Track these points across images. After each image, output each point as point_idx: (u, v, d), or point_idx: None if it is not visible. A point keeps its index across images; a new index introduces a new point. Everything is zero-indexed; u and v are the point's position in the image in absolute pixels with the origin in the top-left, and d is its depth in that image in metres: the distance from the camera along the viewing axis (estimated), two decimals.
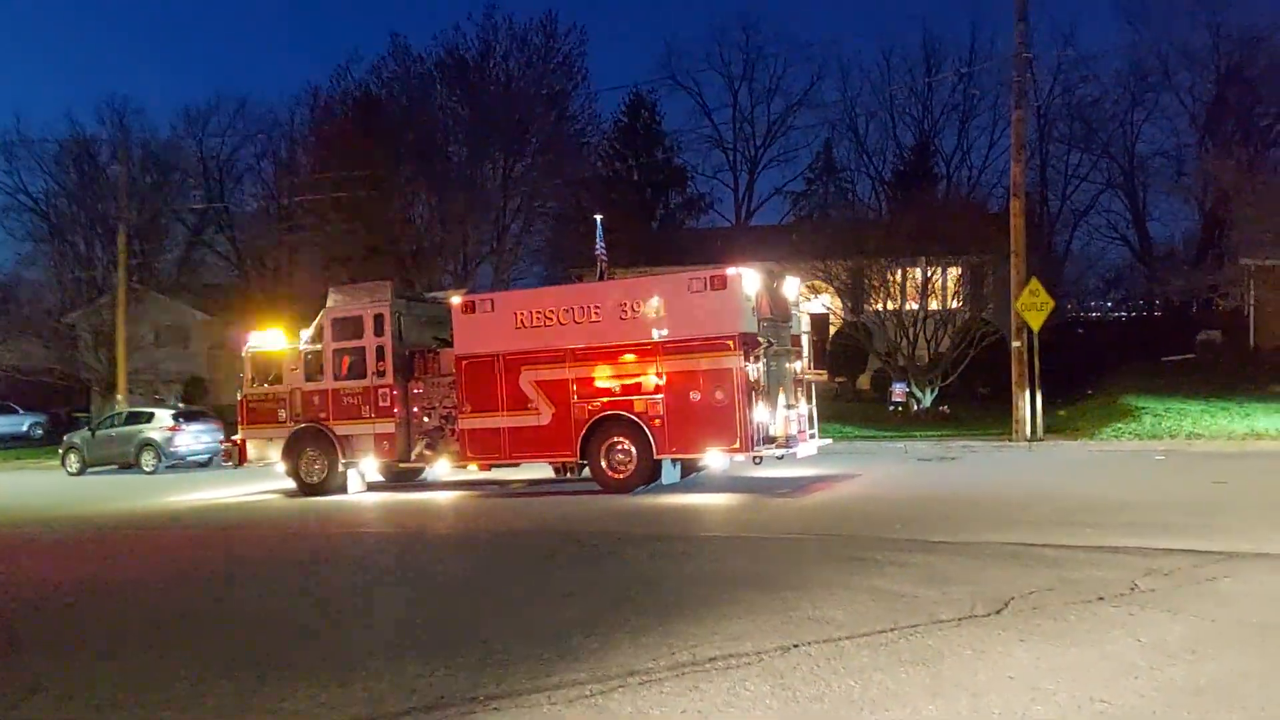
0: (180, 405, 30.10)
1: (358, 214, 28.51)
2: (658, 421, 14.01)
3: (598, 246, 22.83)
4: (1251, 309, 28.10)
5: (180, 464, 25.19)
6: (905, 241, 27.97)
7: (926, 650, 5.74)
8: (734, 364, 13.56)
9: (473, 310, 15.29)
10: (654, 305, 14.08)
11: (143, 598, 8.92)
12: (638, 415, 14.15)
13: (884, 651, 5.74)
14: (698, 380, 13.81)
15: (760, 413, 13.87)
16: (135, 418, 26.48)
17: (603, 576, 8.59)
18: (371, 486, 17.13)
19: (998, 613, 6.57)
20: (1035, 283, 19.24)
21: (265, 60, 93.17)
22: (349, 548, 11.65)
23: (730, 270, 13.83)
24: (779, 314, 14.84)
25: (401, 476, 17.40)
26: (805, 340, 15.68)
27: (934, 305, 27.91)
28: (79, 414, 37.35)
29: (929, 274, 27.80)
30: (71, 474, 26.03)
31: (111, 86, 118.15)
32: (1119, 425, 19.13)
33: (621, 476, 14.36)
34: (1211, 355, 28.81)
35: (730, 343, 13.61)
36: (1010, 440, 19.92)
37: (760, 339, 13.99)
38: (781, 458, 14.54)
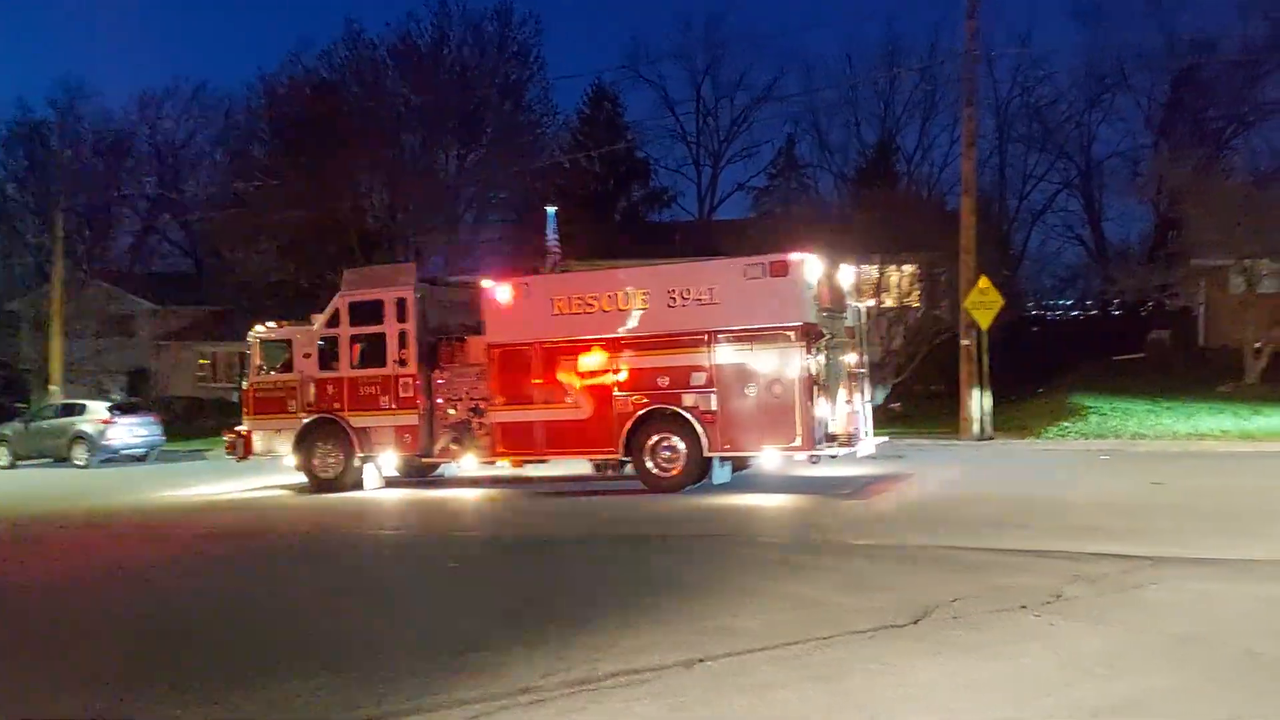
0: (120, 398, 29.33)
1: (310, 202, 27.93)
2: (709, 417, 13.07)
3: (549, 237, 22.49)
4: (1201, 309, 28.33)
5: (114, 459, 24.40)
6: (862, 238, 27.85)
7: (835, 664, 5.50)
8: (795, 356, 12.68)
9: (507, 296, 14.25)
10: (706, 292, 13.18)
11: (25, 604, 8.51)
12: (687, 410, 13.18)
13: (791, 666, 5.49)
14: (755, 373, 12.90)
15: (822, 408, 13.02)
16: (69, 410, 25.69)
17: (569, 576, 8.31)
18: (389, 483, 15.96)
19: (915, 623, 6.35)
20: (985, 280, 19.17)
21: (222, 45, 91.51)
22: (313, 547, 11.22)
23: (793, 255, 12.93)
24: (836, 304, 13.94)
25: (419, 472, 16.32)
26: (860, 332, 14.79)
27: (889, 302, 27.85)
28: (20, 405, 36.38)
29: (883, 271, 27.73)
30: (1, 467, 25.23)
31: (64, 69, 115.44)
32: (1065, 424, 19.13)
33: (668, 475, 13.41)
34: (1161, 355, 28.96)
35: (792, 333, 12.71)
36: (959, 439, 19.86)
37: (823, 330, 13.15)
38: (835, 456, 13.47)
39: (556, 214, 22.15)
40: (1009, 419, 21.14)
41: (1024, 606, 6.70)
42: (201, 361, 37.27)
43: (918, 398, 26.53)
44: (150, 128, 52.23)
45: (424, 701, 5.05)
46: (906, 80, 47.46)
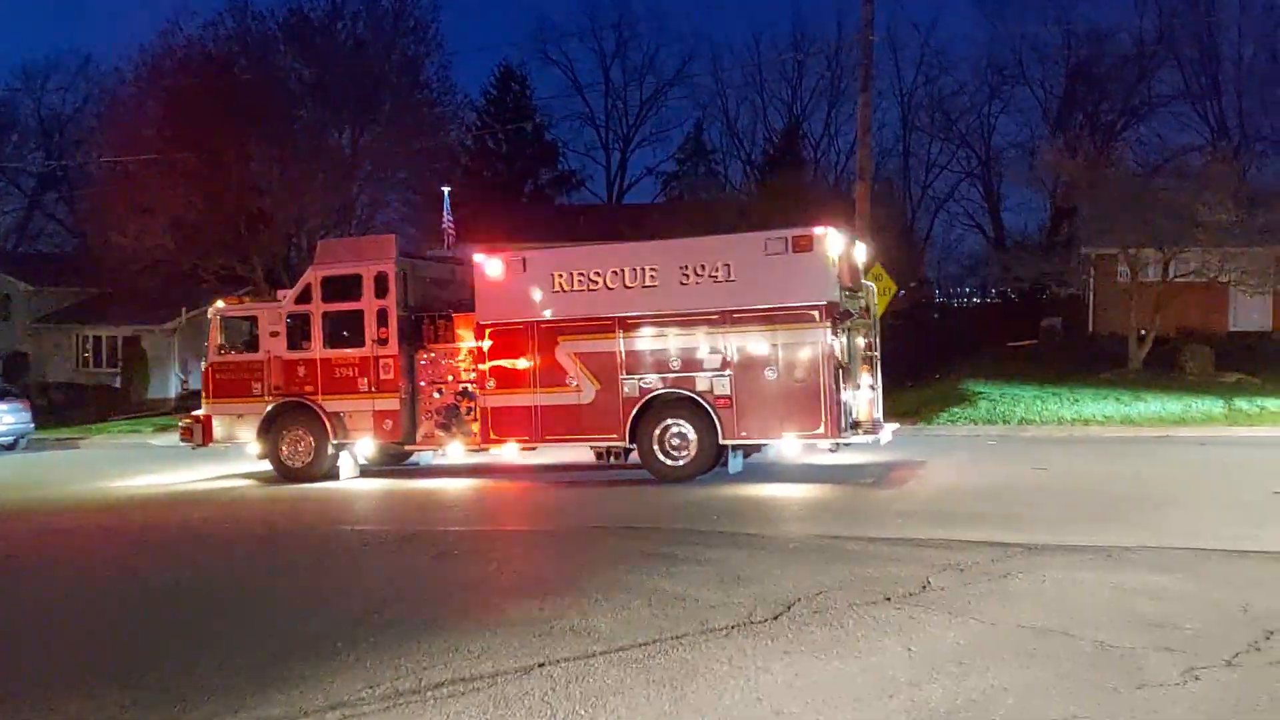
0: None
1: (195, 180, 26.67)
2: (724, 401, 12.28)
3: (445, 218, 21.91)
4: (1091, 297, 29.10)
5: None
6: (765, 225, 27.81)
7: (682, 666, 5.22)
8: (820, 337, 11.91)
9: (500, 270, 13.28)
10: (722, 268, 12.35)
11: None
12: (700, 394, 12.39)
13: (635, 669, 5.19)
14: (775, 355, 12.12)
15: (846, 393, 12.31)
16: None
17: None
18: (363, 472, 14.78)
19: (775, 618, 6.13)
20: (878, 267, 19.17)
21: (108, 14, 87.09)
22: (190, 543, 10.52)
23: (817, 230, 12.13)
24: (854, 282, 13.16)
25: (395, 460, 15.25)
26: (873, 313, 14.01)
27: None
28: None
29: None
30: None
31: None
32: (955, 410, 19.33)
33: (678, 464, 12.60)
34: (1053, 342, 29.69)
35: (816, 313, 11.93)
36: None
37: (849, 310, 12.49)
38: (843, 446, 12.72)
39: (451, 194, 21.47)
40: (901, 405, 21.30)
41: (888, 599, 6.55)
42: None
43: None
44: (36, 101, 49.66)
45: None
46: (814, 66, 47.89)
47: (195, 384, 32.68)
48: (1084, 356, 25.00)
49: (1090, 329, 28.92)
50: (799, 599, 6.55)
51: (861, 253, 13.74)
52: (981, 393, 20.26)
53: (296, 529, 10.78)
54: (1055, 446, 15.92)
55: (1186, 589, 6.59)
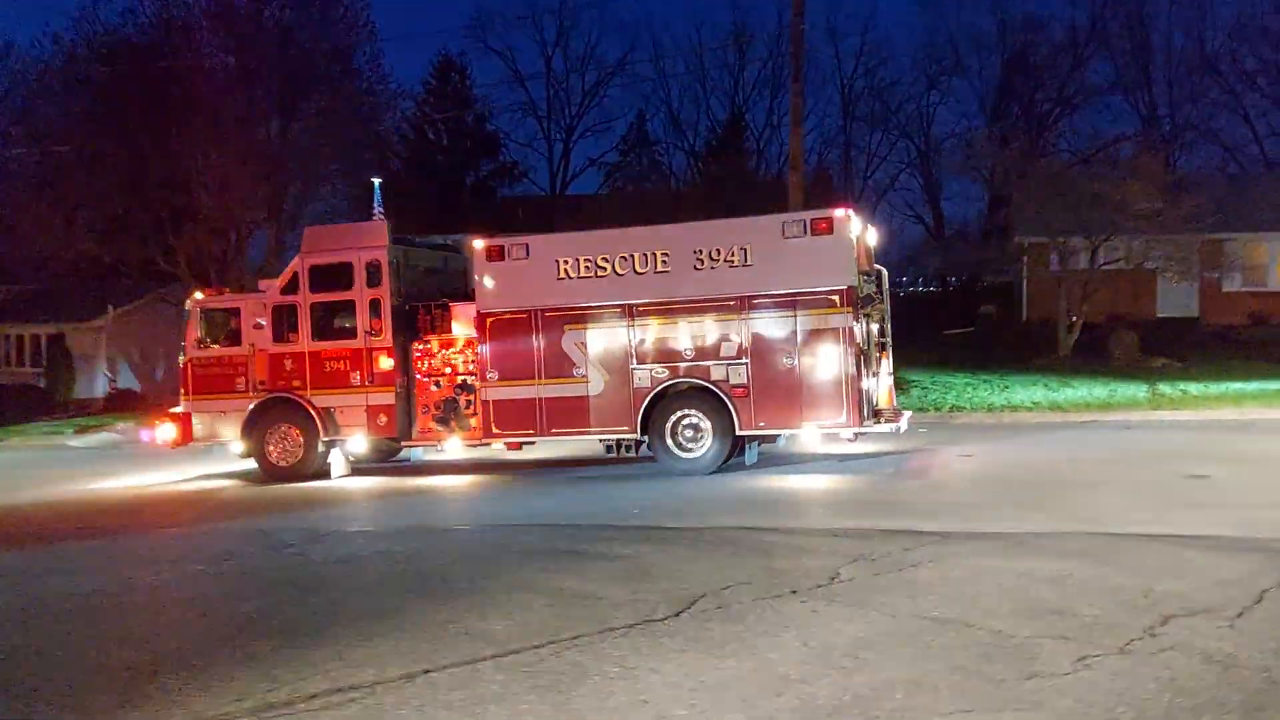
0: None
1: (116, 173, 25.88)
2: (740, 391, 11.95)
3: (376, 210, 21.54)
4: (1024, 285, 29.56)
5: None
6: (707, 215, 27.78)
7: (572, 670, 5.07)
8: (842, 323, 11.61)
9: (501, 257, 12.74)
10: (739, 253, 11.99)
11: None
12: (715, 384, 12.05)
13: (523, 674, 5.03)
14: (795, 343, 11.82)
15: (867, 381, 12.03)
16: None
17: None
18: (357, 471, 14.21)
19: (677, 615, 6.00)
20: None
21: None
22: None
23: (837, 212, 11.84)
24: (869, 266, 12.88)
25: (385, 457, 14.78)
26: (885, 297, 13.62)
27: None
28: None
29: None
30: None
31: None
32: None
33: (693, 456, 12.28)
34: (988, 329, 30.13)
35: (837, 298, 11.63)
36: None
37: (871, 295, 12.19)
38: (853, 437, 12.48)
39: (384, 186, 21.10)
40: None
41: (794, 592, 6.46)
42: None
43: None
44: None
45: None
46: (756, 55, 47.94)
47: (125, 383, 31.87)
48: (1017, 343, 25.36)
49: (1024, 316, 29.38)
50: (705, 594, 6.43)
51: (872, 236, 13.50)
52: (914, 380, 20.40)
53: (227, 527, 10.44)
54: (984, 433, 16.06)
55: (1090, 574, 6.59)
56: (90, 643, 6.09)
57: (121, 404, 29.04)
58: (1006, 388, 19.36)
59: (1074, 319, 23.97)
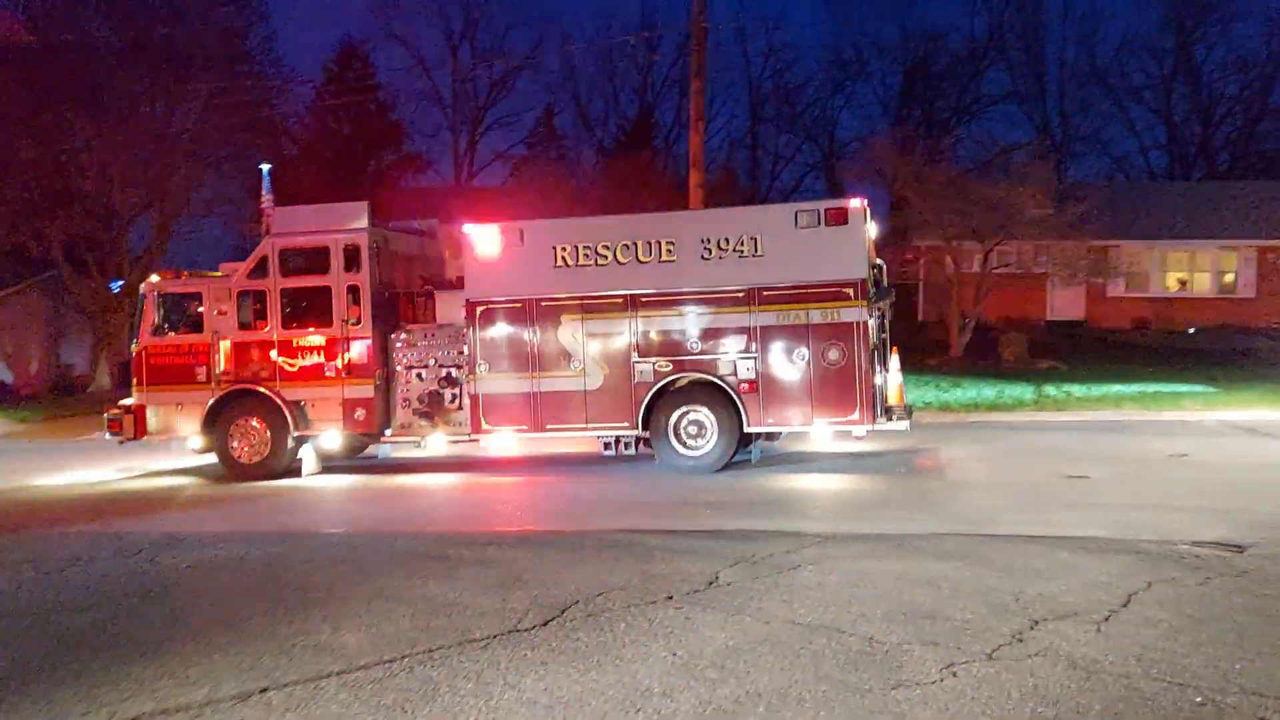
0: None
1: None
2: (748, 386, 11.56)
3: (264, 197, 20.66)
4: (920, 287, 30.16)
5: None
6: (605, 209, 27.58)
7: (423, 686, 4.76)
8: (856, 316, 11.25)
9: (494, 243, 12.15)
10: (749, 242, 11.55)
11: None
12: (722, 379, 11.63)
13: (369, 691, 4.70)
14: (806, 337, 11.43)
15: (879, 376, 11.68)
16: None
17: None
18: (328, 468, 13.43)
19: (545, 624, 5.74)
20: None
21: None
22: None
23: (852, 202, 11.41)
24: (876, 257, 12.45)
25: (353, 453, 14.00)
26: (886, 291, 13.06)
27: None
28: None
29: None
30: None
31: None
32: None
33: (696, 453, 11.85)
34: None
35: (851, 290, 11.29)
36: None
37: (887, 287, 11.79)
38: (859, 434, 12.11)
39: (271, 172, 20.21)
40: None
41: (670, 597, 6.27)
42: None
43: None
44: None
45: None
46: (665, 51, 47.88)
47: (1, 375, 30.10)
48: (913, 344, 25.76)
49: (919, 317, 29.95)
50: (576, 601, 6.19)
51: (873, 229, 13.15)
52: None
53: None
54: (874, 433, 16.14)
55: (964, 577, 6.56)
56: None
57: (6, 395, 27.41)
58: None
59: (967, 321, 24.50)
